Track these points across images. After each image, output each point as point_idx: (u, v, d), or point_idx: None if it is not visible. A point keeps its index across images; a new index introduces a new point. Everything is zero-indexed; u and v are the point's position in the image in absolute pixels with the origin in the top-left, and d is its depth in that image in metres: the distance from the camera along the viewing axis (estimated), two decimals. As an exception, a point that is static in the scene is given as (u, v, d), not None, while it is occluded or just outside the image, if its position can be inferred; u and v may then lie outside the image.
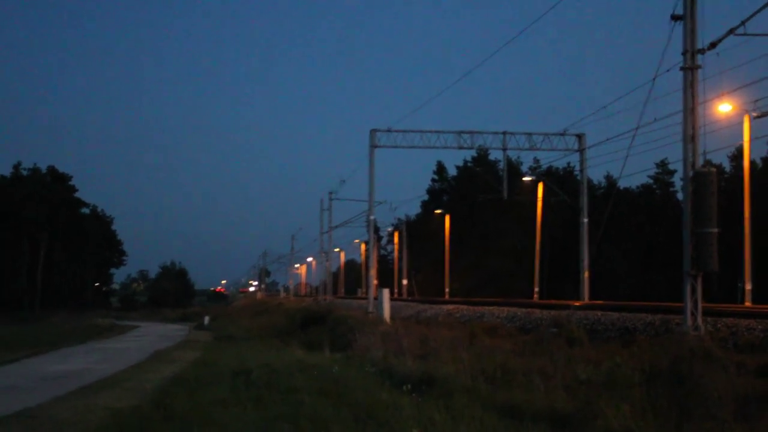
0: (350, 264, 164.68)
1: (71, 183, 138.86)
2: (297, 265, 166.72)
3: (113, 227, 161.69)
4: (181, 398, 17.02)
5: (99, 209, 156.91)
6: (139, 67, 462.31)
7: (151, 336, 59.11)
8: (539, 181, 64.81)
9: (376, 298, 47.10)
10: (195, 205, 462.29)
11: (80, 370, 28.68)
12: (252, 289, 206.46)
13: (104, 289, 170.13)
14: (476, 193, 78.91)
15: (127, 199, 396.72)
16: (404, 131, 49.20)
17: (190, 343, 47.63)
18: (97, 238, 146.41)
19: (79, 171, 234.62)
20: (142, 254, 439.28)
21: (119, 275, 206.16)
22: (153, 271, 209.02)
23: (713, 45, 23.21)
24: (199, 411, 14.99)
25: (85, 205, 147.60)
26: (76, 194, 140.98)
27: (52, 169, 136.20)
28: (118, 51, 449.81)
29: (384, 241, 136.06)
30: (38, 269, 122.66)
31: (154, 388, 20.89)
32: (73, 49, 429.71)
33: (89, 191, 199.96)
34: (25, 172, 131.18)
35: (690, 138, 22.87)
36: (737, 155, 79.66)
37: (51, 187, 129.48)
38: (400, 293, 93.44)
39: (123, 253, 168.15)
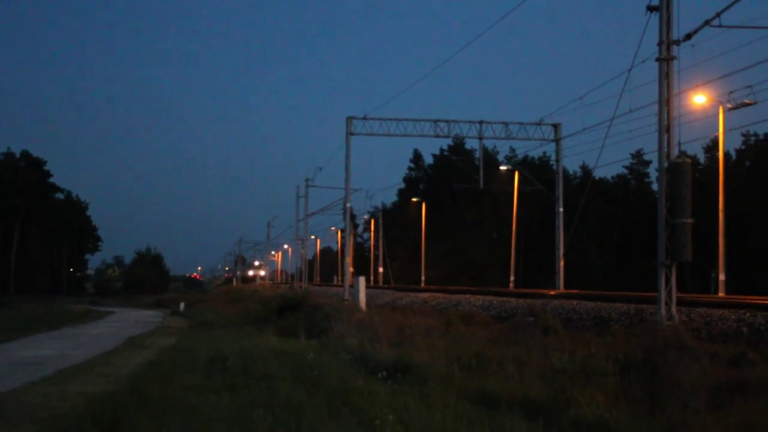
0: (326, 251, 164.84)
1: (46, 168, 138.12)
2: (273, 252, 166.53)
3: (88, 213, 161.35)
4: (155, 384, 16.94)
5: (74, 195, 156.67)
6: (116, 52, 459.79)
7: (125, 322, 58.79)
8: (515, 171, 65.08)
9: (351, 286, 47.12)
10: (171, 192, 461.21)
11: (54, 355, 28.49)
12: (251, 273, 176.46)
13: (79, 274, 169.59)
14: (452, 182, 79.17)
15: (102, 185, 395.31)
16: (381, 119, 49.22)
17: (165, 329, 47.40)
18: (71, 223, 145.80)
19: (54, 156, 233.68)
20: (118, 240, 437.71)
21: (94, 261, 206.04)
22: (128, 257, 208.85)
23: (689, 36, 23.33)
24: (174, 397, 14.93)
25: (60, 190, 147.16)
26: (51, 179, 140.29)
27: (26, 154, 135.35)
28: (93, 35, 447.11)
29: (360, 228, 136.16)
30: (12, 255, 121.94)
31: (129, 374, 20.78)
32: (48, 35, 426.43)
33: (64, 177, 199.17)
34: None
35: (665, 129, 23.02)
36: (712, 147, 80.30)
37: (25, 172, 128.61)
38: (376, 281, 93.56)
39: (98, 238, 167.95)
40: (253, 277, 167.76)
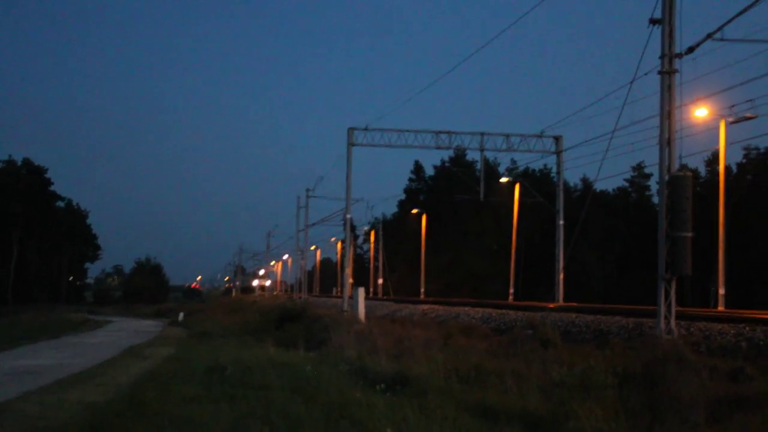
0: (326, 262, 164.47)
1: (46, 176, 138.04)
2: (272, 263, 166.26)
3: (88, 221, 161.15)
4: (154, 394, 16.93)
5: (74, 203, 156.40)
6: (116, 62, 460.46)
7: (125, 331, 58.78)
8: (516, 183, 64.95)
9: (351, 297, 47.06)
10: (171, 201, 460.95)
11: (52, 364, 28.48)
12: (255, 282, 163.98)
13: (78, 283, 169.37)
14: (453, 193, 79.06)
15: (102, 194, 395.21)
16: (382, 130, 49.22)
17: (164, 339, 47.39)
18: (71, 232, 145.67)
19: (55, 164, 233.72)
20: (117, 249, 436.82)
21: (94, 270, 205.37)
22: (128, 266, 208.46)
23: (691, 49, 23.34)
24: (172, 407, 14.92)
25: (60, 198, 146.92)
26: (51, 187, 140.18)
27: (27, 162, 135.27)
28: (94, 45, 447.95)
29: (360, 239, 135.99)
30: (11, 263, 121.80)
31: (127, 384, 20.78)
32: (50, 43, 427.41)
33: (65, 185, 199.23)
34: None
35: (666, 142, 23.00)
36: (712, 160, 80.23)
37: (26, 180, 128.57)
38: (375, 292, 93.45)
39: (98, 247, 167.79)
40: (259, 287, 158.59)
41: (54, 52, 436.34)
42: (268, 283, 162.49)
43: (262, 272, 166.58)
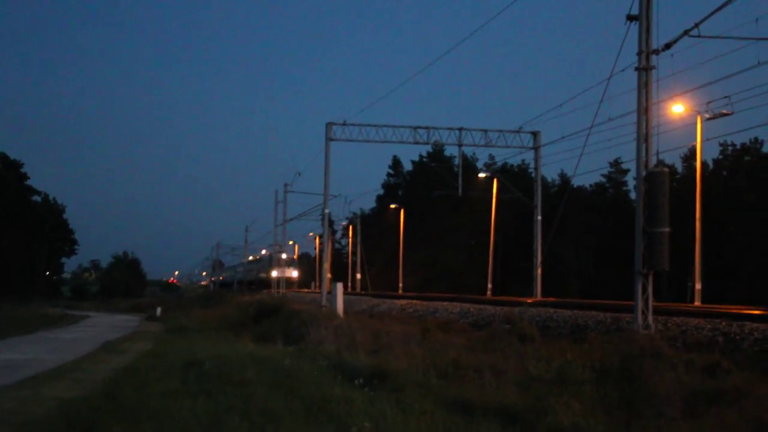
0: (304, 257, 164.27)
1: (23, 170, 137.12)
2: (251, 258, 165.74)
3: (65, 216, 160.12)
4: (131, 390, 16.87)
5: (51, 197, 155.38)
6: (92, 56, 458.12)
7: (102, 326, 58.45)
8: (494, 178, 65.09)
9: (329, 292, 47.03)
10: (148, 195, 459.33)
11: (28, 359, 28.30)
12: (275, 273, 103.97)
13: (55, 278, 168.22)
14: (431, 189, 79.18)
15: (79, 188, 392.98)
16: (360, 125, 49.22)
17: (141, 334, 47.19)
18: (48, 226, 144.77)
19: (31, 159, 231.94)
20: (95, 244, 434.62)
21: (70, 264, 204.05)
22: (105, 261, 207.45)
23: (668, 46, 23.44)
24: (150, 403, 14.86)
25: (37, 193, 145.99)
26: (28, 182, 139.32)
27: (2, 156, 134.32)
28: (70, 40, 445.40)
29: (338, 234, 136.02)
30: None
31: (104, 379, 20.68)
32: (25, 38, 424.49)
33: (41, 179, 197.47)
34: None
35: (643, 138, 23.09)
36: (689, 156, 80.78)
37: (2, 175, 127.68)
38: (353, 287, 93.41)
39: (75, 242, 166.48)
40: (279, 279, 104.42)
41: (30, 47, 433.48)
42: (295, 273, 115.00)
43: (285, 256, 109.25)
